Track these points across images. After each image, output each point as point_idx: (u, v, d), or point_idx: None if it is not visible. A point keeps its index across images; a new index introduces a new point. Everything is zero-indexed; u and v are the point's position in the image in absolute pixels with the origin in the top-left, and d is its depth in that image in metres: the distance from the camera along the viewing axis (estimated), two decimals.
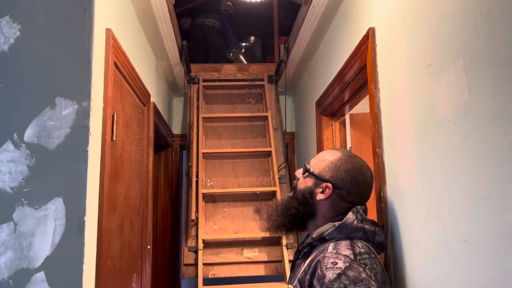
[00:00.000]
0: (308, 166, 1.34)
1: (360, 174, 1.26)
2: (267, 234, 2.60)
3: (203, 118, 3.07)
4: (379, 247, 1.24)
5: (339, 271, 1.06)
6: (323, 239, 1.20)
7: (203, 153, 2.89)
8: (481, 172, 0.89)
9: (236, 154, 2.94)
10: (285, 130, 3.20)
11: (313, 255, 1.18)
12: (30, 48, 1.36)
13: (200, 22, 4.24)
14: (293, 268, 1.34)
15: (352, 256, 1.10)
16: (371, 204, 1.44)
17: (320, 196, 1.26)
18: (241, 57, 4.08)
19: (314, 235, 1.23)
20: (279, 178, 2.83)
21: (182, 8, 3.68)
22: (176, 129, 3.53)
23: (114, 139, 1.60)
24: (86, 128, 1.34)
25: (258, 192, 2.76)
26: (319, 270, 1.09)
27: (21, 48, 1.36)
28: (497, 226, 0.84)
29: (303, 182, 1.33)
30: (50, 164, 1.31)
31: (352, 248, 1.13)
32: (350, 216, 1.20)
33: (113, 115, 1.58)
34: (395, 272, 1.36)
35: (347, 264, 1.07)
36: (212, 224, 2.65)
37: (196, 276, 2.42)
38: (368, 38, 1.58)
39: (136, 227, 2.01)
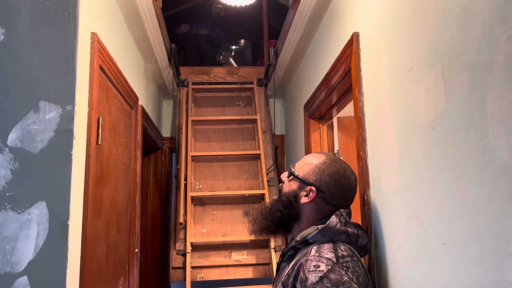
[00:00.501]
0: (293, 169, 1.35)
1: (344, 178, 1.27)
2: (254, 236, 2.62)
3: (193, 121, 3.08)
4: (363, 250, 1.26)
5: (321, 274, 1.07)
6: (306, 242, 1.21)
7: (192, 156, 2.89)
8: (457, 177, 0.91)
9: (225, 157, 2.95)
10: (274, 133, 3.22)
11: (296, 258, 1.19)
12: (14, 52, 1.36)
13: (194, 31, 4.25)
14: (278, 271, 1.35)
15: (334, 259, 1.11)
16: (356, 207, 1.46)
17: (304, 200, 1.28)
18: (231, 60, 4.09)
19: (298, 238, 1.24)
20: (268, 181, 2.84)
21: (170, 11, 3.68)
22: (166, 131, 3.53)
23: (100, 143, 1.59)
24: (70, 132, 1.34)
25: (247, 195, 2.77)
26: (301, 273, 1.10)
27: (5, 52, 1.35)
28: (471, 230, 0.86)
29: (288, 185, 1.35)
30: (34, 168, 1.31)
31: (335, 251, 1.14)
32: (333, 220, 1.21)
33: (98, 119, 1.58)
34: (378, 274, 1.37)
35: (329, 267, 1.08)
36: (200, 227, 2.65)
37: (185, 279, 2.42)
38: (353, 43, 1.59)
39: (123, 230, 2.01)
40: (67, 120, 1.34)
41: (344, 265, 1.11)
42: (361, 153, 1.51)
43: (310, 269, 1.09)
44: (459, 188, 0.90)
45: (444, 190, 0.97)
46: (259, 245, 2.59)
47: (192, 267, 2.47)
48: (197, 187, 2.83)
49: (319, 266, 1.09)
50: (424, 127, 1.06)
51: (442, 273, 0.98)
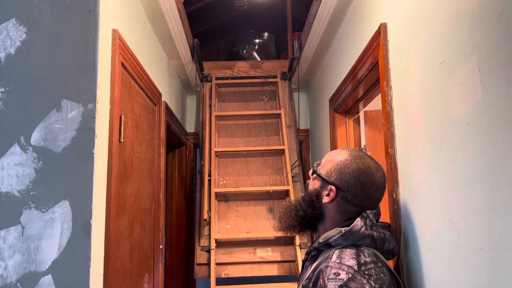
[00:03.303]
0: (316, 167, 1.30)
1: (366, 176, 1.20)
2: (280, 234, 2.58)
3: (216, 116, 3.06)
4: (390, 254, 1.19)
5: (341, 283, 1.01)
6: (329, 245, 1.16)
7: (215, 152, 2.87)
8: (495, 176, 0.85)
9: (249, 153, 2.92)
10: (299, 127, 3.16)
11: (318, 260, 1.15)
12: (36, 51, 1.36)
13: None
14: (302, 270, 1.32)
15: (355, 267, 1.04)
16: (384, 205, 1.39)
17: (325, 199, 1.22)
18: (255, 53, 4.04)
19: (320, 240, 1.19)
20: (293, 177, 2.79)
21: (193, 6, 3.66)
22: (190, 127, 3.52)
23: (122, 141, 1.59)
24: (92, 130, 1.33)
25: (271, 191, 2.73)
26: (321, 280, 1.04)
27: (27, 51, 1.36)
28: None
29: (312, 184, 1.30)
30: (57, 167, 1.31)
31: (357, 257, 1.08)
32: (358, 223, 1.14)
33: (120, 116, 1.57)
34: (408, 277, 1.31)
35: (350, 276, 1.02)
36: (225, 223, 2.64)
37: (209, 276, 2.41)
38: (380, 34, 1.52)
39: (147, 227, 2.01)
40: (88, 118, 1.33)
41: (367, 273, 1.04)
42: (389, 150, 1.45)
43: (330, 277, 1.03)
44: (498, 189, 0.84)
45: (480, 191, 0.90)
46: (284, 242, 2.56)
47: (217, 264, 2.46)
48: (221, 183, 2.81)
49: (339, 274, 1.03)
50: (458, 123, 0.99)
51: (479, 279, 0.91)
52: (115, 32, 1.53)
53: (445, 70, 1.06)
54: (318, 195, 1.25)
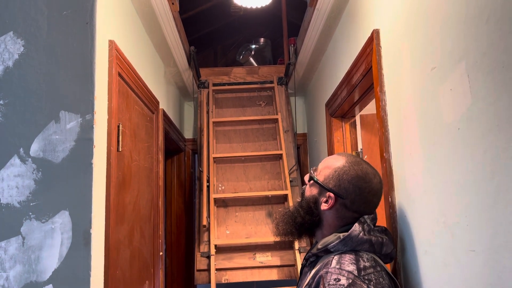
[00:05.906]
0: (313, 173, 1.31)
1: (365, 182, 1.21)
2: (279, 238, 2.60)
3: (214, 122, 3.07)
4: (388, 258, 1.21)
5: None
6: (328, 251, 1.17)
7: (214, 158, 2.89)
8: (485, 181, 0.86)
9: (247, 158, 2.93)
10: (296, 131, 3.18)
11: (318, 266, 1.16)
12: (34, 63, 1.37)
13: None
14: (301, 275, 1.33)
15: (355, 272, 1.06)
16: (382, 206, 1.41)
17: (324, 206, 1.23)
18: (251, 59, 4.07)
19: (319, 246, 1.20)
20: (291, 181, 2.81)
21: (189, 13, 3.69)
22: (188, 133, 3.54)
23: (120, 150, 1.60)
24: (90, 140, 1.34)
25: (269, 195, 2.75)
26: (321, 286, 1.06)
27: (25, 64, 1.37)
28: (502, 237, 0.81)
29: (309, 190, 1.31)
30: (56, 178, 1.32)
31: (357, 262, 1.09)
32: (356, 228, 1.15)
33: (118, 126, 1.59)
34: (405, 279, 1.33)
35: (350, 281, 1.03)
36: (224, 229, 2.65)
37: (209, 282, 2.43)
38: (373, 40, 1.55)
39: (147, 234, 2.02)
40: (87, 129, 1.35)
41: (366, 277, 1.05)
42: (384, 154, 1.47)
43: (331, 283, 1.04)
44: (488, 193, 0.86)
45: (471, 195, 0.92)
46: (283, 246, 2.57)
47: (217, 269, 2.47)
48: (219, 188, 2.83)
49: (339, 280, 1.04)
50: (449, 128, 1.01)
51: (472, 281, 0.93)
52: (111, 43, 1.54)
53: (436, 76, 1.08)
54: (316, 201, 1.26)
